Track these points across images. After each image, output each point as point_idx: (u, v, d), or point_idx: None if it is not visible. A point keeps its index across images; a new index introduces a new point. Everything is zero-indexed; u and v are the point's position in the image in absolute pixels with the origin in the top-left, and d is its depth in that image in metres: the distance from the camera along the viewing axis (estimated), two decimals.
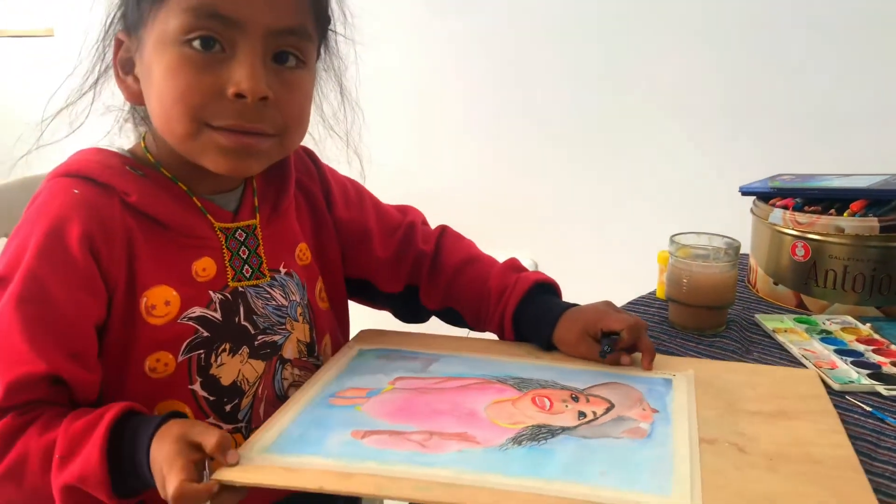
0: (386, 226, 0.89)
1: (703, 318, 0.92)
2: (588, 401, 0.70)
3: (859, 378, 0.79)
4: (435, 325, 1.29)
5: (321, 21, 0.73)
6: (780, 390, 0.74)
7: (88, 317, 0.65)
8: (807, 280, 0.99)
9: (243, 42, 0.65)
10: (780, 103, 1.31)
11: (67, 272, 0.64)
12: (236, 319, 0.72)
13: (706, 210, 1.36)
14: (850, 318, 0.95)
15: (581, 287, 1.50)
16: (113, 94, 0.74)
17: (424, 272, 0.88)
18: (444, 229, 0.92)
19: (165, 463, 0.57)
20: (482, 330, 0.89)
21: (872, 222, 0.94)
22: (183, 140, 0.67)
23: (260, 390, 0.73)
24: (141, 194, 0.68)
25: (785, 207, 1.02)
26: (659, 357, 0.80)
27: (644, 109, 1.45)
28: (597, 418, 0.67)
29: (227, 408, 0.71)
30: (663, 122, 1.43)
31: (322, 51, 0.77)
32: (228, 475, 0.58)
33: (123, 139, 0.77)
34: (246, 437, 0.67)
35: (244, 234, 0.75)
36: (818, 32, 1.26)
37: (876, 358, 0.85)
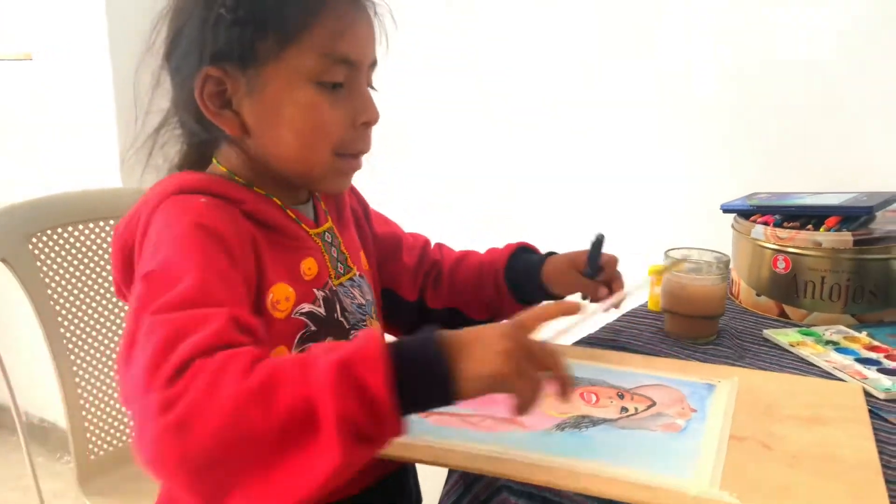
0: (407, 237, 1.01)
1: (698, 327, 0.98)
2: (633, 398, 0.77)
3: (893, 385, 0.82)
4: None
5: None
6: (819, 400, 0.78)
7: (247, 292, 0.68)
8: (788, 291, 1.05)
9: (359, 77, 0.77)
10: (754, 127, 1.35)
11: (227, 254, 0.67)
12: (335, 315, 0.80)
13: (686, 226, 1.42)
14: (843, 328, 1.01)
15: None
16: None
17: (432, 277, 0.99)
18: (439, 243, 1.04)
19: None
20: (484, 316, 0.98)
21: (847, 237, 1.01)
22: (313, 166, 0.76)
23: None
24: (251, 202, 0.74)
25: (765, 224, 1.08)
26: (709, 365, 0.87)
27: (628, 131, 1.49)
28: (638, 413, 0.74)
29: None
30: (648, 145, 1.47)
31: None
32: None
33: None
34: None
35: (330, 237, 0.84)
36: (791, 59, 1.30)
37: (894, 364, 0.89)
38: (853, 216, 1.05)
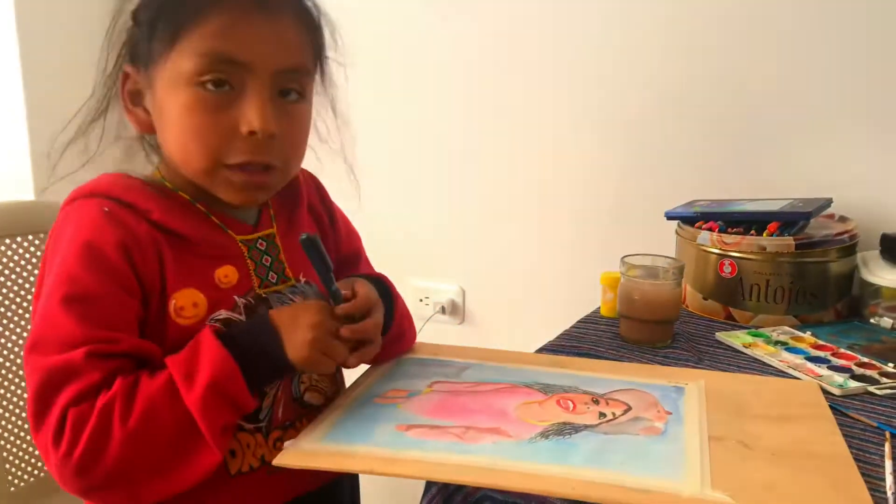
0: (364, 264, 0.98)
1: (655, 332, 1.01)
2: (608, 403, 0.78)
3: (846, 382, 0.86)
4: (465, 339, 1.36)
5: (318, 55, 0.80)
6: (784, 398, 0.81)
7: (130, 310, 0.70)
8: (734, 294, 1.10)
9: (252, 82, 0.71)
10: (693, 135, 1.39)
11: (107, 275, 0.69)
12: None
13: (627, 233, 1.45)
14: (788, 328, 1.06)
15: (517, 310, 1.58)
16: (120, 123, 0.79)
17: None
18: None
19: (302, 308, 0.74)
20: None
21: (789, 241, 1.07)
22: (199, 174, 0.74)
23: (279, 393, 0.77)
24: (162, 211, 0.73)
25: (710, 230, 1.13)
26: (672, 369, 0.88)
27: (567, 142, 1.51)
28: (616, 418, 0.74)
29: None
30: (591, 156, 1.50)
31: (318, 78, 0.83)
32: (288, 459, 0.66)
33: (138, 167, 0.81)
34: (266, 437, 0.76)
35: (265, 244, 0.81)
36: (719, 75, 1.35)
37: (840, 362, 0.93)
38: (792, 221, 1.09)
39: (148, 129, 0.77)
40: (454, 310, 1.66)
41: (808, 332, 1.02)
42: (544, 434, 0.70)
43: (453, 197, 1.63)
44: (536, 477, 0.62)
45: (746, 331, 1.05)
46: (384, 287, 0.87)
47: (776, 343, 0.99)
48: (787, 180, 1.28)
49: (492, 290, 1.63)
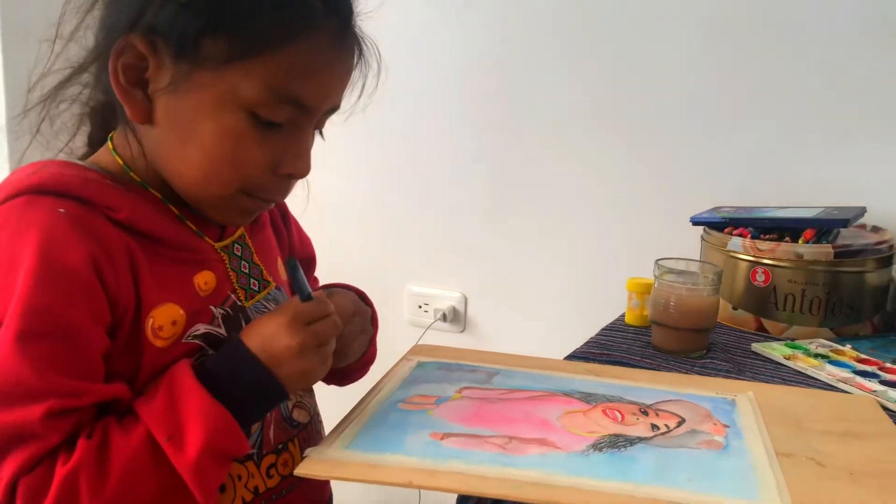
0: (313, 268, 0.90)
1: (691, 340, 0.94)
2: (658, 415, 0.71)
3: None
4: (484, 343, 1.27)
5: None
6: (843, 413, 0.74)
7: (99, 345, 0.58)
8: (766, 304, 1.04)
9: (305, 123, 0.64)
10: (714, 139, 1.34)
11: (74, 302, 0.56)
12: None
13: (641, 239, 1.39)
14: (825, 341, 1.00)
15: (522, 319, 1.52)
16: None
17: None
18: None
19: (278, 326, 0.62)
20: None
21: (827, 249, 1.00)
22: (211, 197, 0.64)
23: (270, 414, 0.68)
24: (132, 209, 0.61)
25: (741, 236, 1.07)
26: (716, 379, 0.82)
27: (589, 147, 1.45)
28: (670, 430, 0.68)
29: None
30: (608, 162, 1.44)
31: None
32: (313, 469, 0.58)
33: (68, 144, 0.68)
34: (258, 465, 0.67)
35: (240, 248, 0.72)
36: (759, 75, 1.30)
37: (890, 377, 0.87)
38: (828, 229, 1.04)
39: (141, 120, 0.62)
40: (455, 317, 1.58)
41: (848, 346, 0.97)
42: (597, 446, 0.63)
43: (456, 197, 1.56)
44: (599, 494, 0.55)
45: (783, 342, 0.99)
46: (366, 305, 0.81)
47: (817, 356, 0.93)
48: (812, 188, 1.24)
49: (496, 298, 1.56)
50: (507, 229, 1.52)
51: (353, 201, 1.64)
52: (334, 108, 0.67)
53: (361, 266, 1.62)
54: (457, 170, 1.54)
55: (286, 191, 0.68)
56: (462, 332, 1.59)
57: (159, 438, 0.56)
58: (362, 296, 0.82)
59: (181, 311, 0.63)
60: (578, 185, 1.45)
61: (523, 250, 1.51)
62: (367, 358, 0.81)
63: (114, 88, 0.61)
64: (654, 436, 0.66)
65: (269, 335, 0.62)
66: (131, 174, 0.65)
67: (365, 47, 0.68)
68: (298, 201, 0.80)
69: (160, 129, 0.63)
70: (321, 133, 0.70)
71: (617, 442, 0.64)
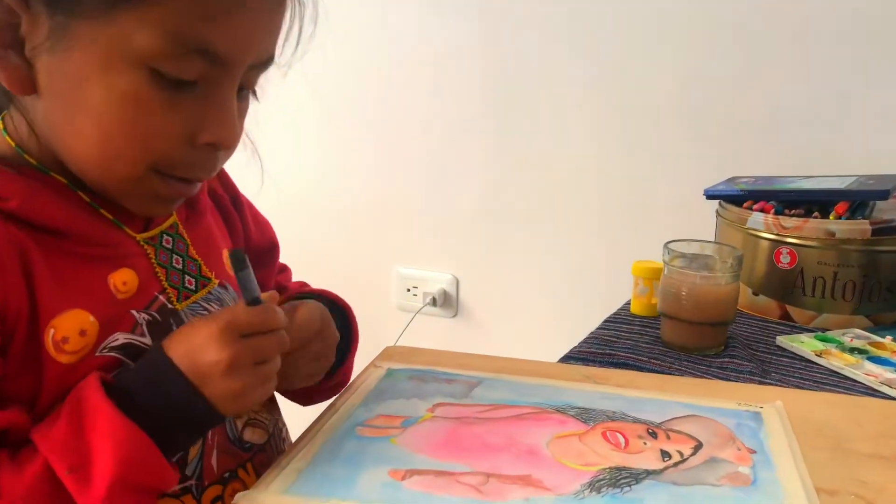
0: (278, 251, 0.78)
1: (707, 336, 0.82)
2: (668, 437, 0.59)
3: None
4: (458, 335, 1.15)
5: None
6: (893, 428, 0.62)
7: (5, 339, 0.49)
8: (793, 289, 0.91)
9: (223, 80, 0.52)
10: (730, 107, 1.22)
11: None
12: None
13: (647, 216, 1.28)
14: (860, 331, 0.88)
15: (517, 303, 1.41)
16: None
17: None
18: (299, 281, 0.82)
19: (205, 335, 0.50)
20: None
21: (864, 225, 0.87)
22: (116, 180, 0.53)
23: (209, 436, 0.57)
24: (24, 197, 0.52)
25: (762, 211, 0.94)
26: (736, 385, 0.69)
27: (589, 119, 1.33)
28: (684, 459, 0.55)
29: None
30: (608, 129, 1.32)
31: None
32: None
33: None
34: (197, 498, 0.55)
35: (171, 239, 0.60)
36: (768, 39, 1.18)
37: None
38: (865, 201, 0.91)
39: (21, 90, 0.52)
40: (446, 301, 1.48)
41: (889, 337, 0.84)
42: (594, 485, 0.51)
43: (446, 175, 1.44)
44: None
45: (812, 334, 0.86)
46: (344, 318, 0.70)
47: (852, 350, 0.81)
48: (841, 154, 1.11)
49: (489, 280, 1.45)
50: (503, 205, 1.41)
51: (333, 176, 1.52)
52: (264, 61, 0.54)
53: (343, 247, 1.51)
54: (447, 140, 1.42)
55: (211, 167, 0.55)
56: (454, 317, 1.48)
57: (59, 472, 0.46)
58: (346, 312, 0.71)
59: (91, 319, 0.52)
60: (579, 153, 1.32)
61: (520, 227, 1.40)
62: (335, 381, 0.69)
63: None
64: (666, 467, 0.54)
65: (196, 345, 0.51)
66: (26, 157, 0.54)
67: None
68: (251, 182, 0.69)
69: (45, 100, 0.51)
70: (255, 94, 0.57)
71: (619, 478, 0.52)
